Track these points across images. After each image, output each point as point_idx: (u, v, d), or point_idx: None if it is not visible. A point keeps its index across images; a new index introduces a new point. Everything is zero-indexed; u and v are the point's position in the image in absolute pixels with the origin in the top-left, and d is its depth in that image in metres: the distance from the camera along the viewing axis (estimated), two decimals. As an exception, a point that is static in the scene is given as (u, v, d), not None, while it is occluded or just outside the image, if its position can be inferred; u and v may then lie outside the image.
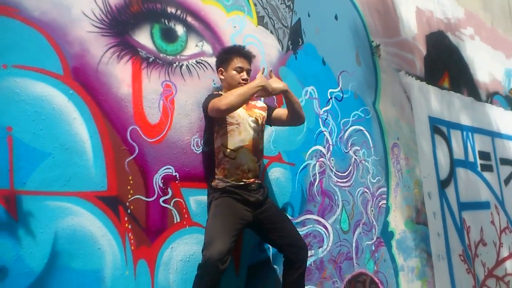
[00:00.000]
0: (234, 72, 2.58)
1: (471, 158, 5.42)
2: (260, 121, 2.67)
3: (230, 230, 2.34)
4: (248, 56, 2.65)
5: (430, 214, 4.47)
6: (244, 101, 2.42)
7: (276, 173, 3.06)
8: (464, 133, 5.39)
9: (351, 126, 3.78)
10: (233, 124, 2.52)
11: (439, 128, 4.95)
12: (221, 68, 2.64)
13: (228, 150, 2.50)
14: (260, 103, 2.80)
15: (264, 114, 2.74)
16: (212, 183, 2.52)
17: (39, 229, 1.98)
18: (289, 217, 2.85)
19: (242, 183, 2.49)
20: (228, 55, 2.62)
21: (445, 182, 4.82)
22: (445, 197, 4.78)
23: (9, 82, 1.98)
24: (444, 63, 5.36)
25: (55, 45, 2.13)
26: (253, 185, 2.52)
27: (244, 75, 2.59)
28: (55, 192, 2.04)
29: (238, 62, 2.59)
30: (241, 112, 2.56)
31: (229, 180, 2.48)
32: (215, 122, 2.55)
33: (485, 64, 6.21)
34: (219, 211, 2.42)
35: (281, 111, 2.79)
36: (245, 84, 2.54)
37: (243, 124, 2.55)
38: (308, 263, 3.09)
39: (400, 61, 4.60)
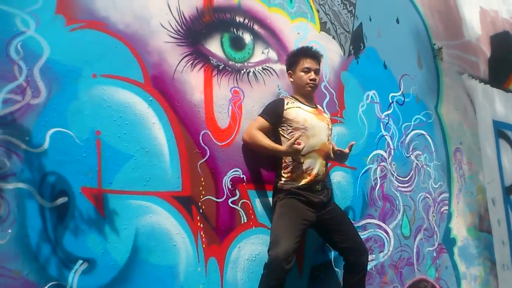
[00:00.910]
0: (302, 73, 2.63)
1: (538, 164, 5.20)
2: (330, 126, 2.72)
3: (295, 231, 2.40)
4: (315, 56, 2.68)
5: (494, 221, 4.35)
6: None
7: (337, 177, 3.10)
8: (531, 137, 5.19)
9: (412, 130, 3.76)
10: (299, 129, 2.55)
11: (504, 132, 4.80)
12: (290, 71, 2.70)
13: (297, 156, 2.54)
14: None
15: (330, 122, 2.80)
16: (278, 184, 2.58)
17: (122, 225, 2.14)
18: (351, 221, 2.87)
19: (307, 185, 2.54)
20: (296, 57, 2.68)
21: (510, 189, 4.66)
22: (511, 204, 4.62)
23: (98, 90, 2.16)
24: (510, 64, 5.18)
25: (137, 55, 2.30)
26: (318, 186, 2.57)
27: (312, 75, 2.62)
28: (136, 192, 2.20)
29: (305, 63, 2.63)
30: (308, 117, 2.60)
31: (296, 183, 2.54)
32: (277, 126, 2.60)
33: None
34: (284, 212, 2.48)
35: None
36: (313, 84, 2.63)
37: (312, 129, 2.58)
38: (368, 267, 3.11)
39: (463, 64, 4.50)
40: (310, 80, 2.62)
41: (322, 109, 2.83)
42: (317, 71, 2.66)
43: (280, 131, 2.60)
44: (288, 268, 2.28)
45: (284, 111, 2.57)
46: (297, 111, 2.59)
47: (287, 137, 2.56)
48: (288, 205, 2.51)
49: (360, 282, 2.60)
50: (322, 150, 2.61)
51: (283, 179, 2.57)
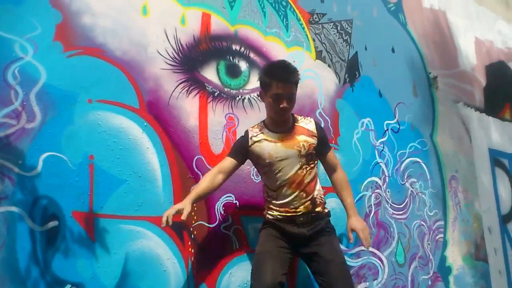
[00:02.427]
0: (271, 100, 2.29)
1: (535, 193, 5.20)
2: (304, 151, 2.36)
3: (276, 260, 2.26)
4: (289, 80, 2.28)
5: (491, 250, 4.32)
6: None
7: (332, 204, 3.10)
8: (528, 166, 5.20)
9: (407, 157, 3.78)
10: (265, 166, 2.37)
11: (500, 160, 4.82)
12: (262, 90, 2.38)
13: (270, 191, 2.41)
14: (310, 124, 2.46)
15: (313, 141, 2.40)
16: (263, 213, 2.47)
17: (113, 250, 2.14)
18: (342, 250, 2.54)
19: (287, 217, 2.37)
20: (268, 79, 2.30)
21: (507, 217, 4.65)
22: (507, 232, 4.60)
23: (93, 115, 2.20)
24: (505, 93, 5.23)
25: (133, 81, 2.34)
26: (302, 219, 2.35)
27: (283, 103, 2.26)
28: (128, 216, 2.22)
29: (277, 89, 2.25)
30: (273, 149, 2.34)
31: (275, 213, 2.39)
32: (252, 162, 2.48)
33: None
34: (261, 241, 2.37)
35: (330, 161, 2.53)
36: (282, 113, 2.30)
37: (277, 163, 2.33)
38: (363, 295, 3.10)
39: (459, 93, 4.55)
40: (281, 108, 2.27)
41: (300, 123, 2.44)
42: (290, 97, 2.29)
43: (256, 166, 2.51)
44: None
45: (249, 148, 2.38)
46: (261, 146, 2.36)
47: (261, 172, 2.47)
48: (265, 234, 2.38)
49: None
50: (293, 181, 2.35)
51: (266, 209, 2.47)
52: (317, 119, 3.17)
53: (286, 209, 2.37)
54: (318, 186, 2.46)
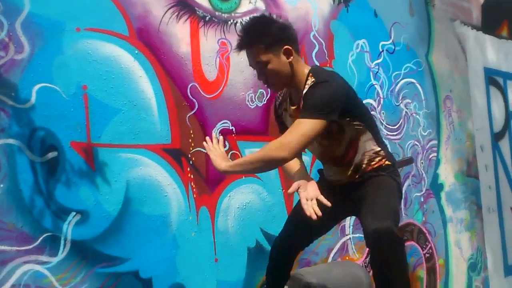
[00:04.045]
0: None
1: (528, 110, 5.25)
2: None
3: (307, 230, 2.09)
4: (248, 47, 1.89)
5: (482, 167, 4.45)
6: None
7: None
8: (523, 84, 5.21)
9: (402, 79, 3.76)
10: None
11: (495, 79, 4.81)
12: None
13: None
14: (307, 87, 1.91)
15: None
16: None
17: (113, 178, 2.19)
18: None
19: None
20: None
21: (499, 135, 4.74)
22: (499, 150, 4.71)
23: (82, 44, 2.15)
24: (504, 10, 5.10)
25: (120, 8, 2.27)
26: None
27: (259, 77, 1.95)
28: (126, 145, 2.24)
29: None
30: (290, 124, 1.94)
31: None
32: None
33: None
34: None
35: None
36: (267, 85, 1.98)
37: None
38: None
39: (456, 10, 4.44)
40: (260, 80, 1.97)
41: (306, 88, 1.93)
42: (260, 67, 1.88)
43: None
44: None
45: (282, 116, 2.10)
46: (285, 118, 2.09)
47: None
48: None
49: (377, 269, 1.81)
50: (325, 157, 2.10)
51: None
52: (312, 42, 3.11)
53: (330, 178, 2.12)
54: (363, 149, 1.99)
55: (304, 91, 1.88)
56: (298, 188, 1.84)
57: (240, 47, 1.90)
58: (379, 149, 2.02)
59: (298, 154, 1.93)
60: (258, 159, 1.86)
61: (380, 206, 1.85)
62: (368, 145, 2.00)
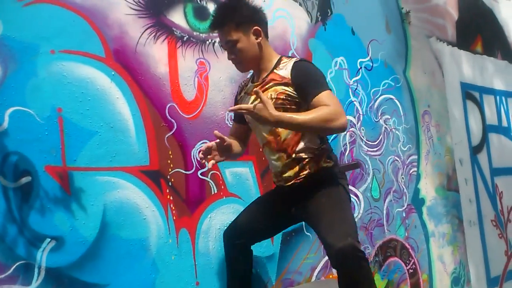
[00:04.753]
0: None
1: (504, 123, 5.36)
2: (278, 101, 1.94)
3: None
4: (218, 26, 2.01)
5: (462, 180, 4.49)
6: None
7: (307, 144, 3.14)
8: (498, 97, 5.31)
9: (381, 95, 3.80)
10: (249, 123, 2.18)
11: (471, 93, 4.90)
12: None
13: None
14: (284, 70, 1.99)
15: (283, 89, 1.96)
16: None
17: (90, 202, 2.14)
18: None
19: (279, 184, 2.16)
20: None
21: (477, 148, 4.81)
22: (477, 163, 4.77)
23: (57, 66, 2.11)
24: (477, 26, 5.23)
25: (96, 29, 2.24)
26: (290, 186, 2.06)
27: (228, 55, 2.06)
28: (102, 168, 2.19)
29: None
30: (246, 104, 2.01)
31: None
32: None
33: (521, 25, 6.02)
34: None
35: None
36: (237, 67, 2.10)
37: (252, 121, 2.01)
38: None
39: (431, 27, 4.53)
40: (230, 59, 2.08)
41: (278, 70, 2.02)
42: (230, 45, 1.99)
43: None
44: None
45: (237, 103, 2.19)
46: (242, 101, 2.17)
47: None
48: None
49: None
50: (270, 141, 2.07)
51: None
52: (290, 60, 3.12)
53: (276, 175, 2.13)
54: (307, 140, 2.02)
55: (280, 72, 1.99)
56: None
57: (213, 26, 2.02)
58: (323, 145, 2.07)
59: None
60: (326, 119, 1.81)
61: (338, 222, 1.87)
62: (314, 139, 2.04)
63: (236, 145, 2.15)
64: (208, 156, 1.93)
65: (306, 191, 2.00)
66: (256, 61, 2.04)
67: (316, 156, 2.03)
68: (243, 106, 1.85)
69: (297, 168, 2.03)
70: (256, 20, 2.01)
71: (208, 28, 2.08)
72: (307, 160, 2.02)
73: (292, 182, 2.04)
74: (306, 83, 1.91)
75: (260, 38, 2.01)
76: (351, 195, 3.31)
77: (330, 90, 1.91)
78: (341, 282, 1.86)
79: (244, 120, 2.19)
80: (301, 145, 2.02)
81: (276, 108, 1.82)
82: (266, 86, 2.00)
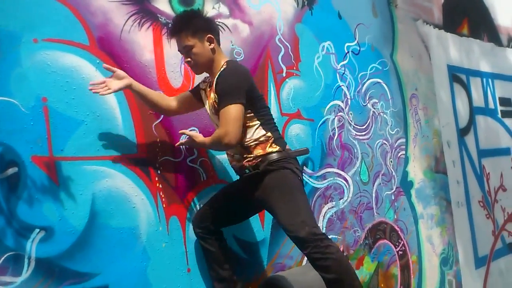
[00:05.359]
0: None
1: (491, 105, 5.40)
2: (213, 110, 2.30)
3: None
4: (176, 33, 2.22)
5: (450, 162, 4.54)
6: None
7: (296, 130, 3.15)
8: (484, 80, 5.35)
9: (368, 79, 3.81)
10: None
11: (458, 76, 4.92)
12: None
13: None
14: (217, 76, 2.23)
15: (215, 96, 2.24)
16: None
17: (78, 191, 2.13)
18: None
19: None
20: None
21: (464, 130, 4.85)
22: (465, 145, 4.82)
23: (41, 55, 2.08)
24: (463, 9, 5.24)
25: (79, 17, 2.21)
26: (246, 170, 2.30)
27: (185, 58, 2.26)
28: (90, 157, 2.18)
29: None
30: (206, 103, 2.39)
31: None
32: None
33: (507, 7, 6.04)
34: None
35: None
36: (190, 66, 2.29)
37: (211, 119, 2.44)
38: (329, 214, 3.25)
39: (418, 10, 4.53)
40: (186, 63, 2.28)
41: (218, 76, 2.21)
42: (186, 50, 2.20)
43: None
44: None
45: (195, 88, 2.50)
46: (202, 93, 2.44)
47: None
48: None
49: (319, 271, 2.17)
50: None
51: None
52: (277, 46, 3.12)
53: (231, 157, 2.40)
54: (251, 132, 2.26)
55: (216, 77, 2.20)
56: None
57: (172, 33, 2.24)
58: (268, 134, 2.28)
59: (239, 135, 2.16)
60: (215, 144, 2.23)
61: (293, 214, 2.14)
62: (259, 130, 2.27)
63: (161, 98, 2.37)
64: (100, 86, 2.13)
65: (257, 180, 2.23)
66: (209, 65, 2.26)
67: (261, 142, 2.26)
68: (187, 133, 2.31)
69: (245, 153, 2.27)
70: (209, 29, 2.24)
71: (168, 35, 2.34)
72: (252, 146, 2.26)
73: (242, 163, 2.28)
74: (220, 95, 2.17)
75: (213, 44, 2.23)
76: (341, 180, 3.35)
77: (237, 102, 2.11)
78: (314, 265, 2.15)
79: (198, 96, 2.41)
80: (248, 136, 2.25)
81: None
82: (212, 90, 2.25)
